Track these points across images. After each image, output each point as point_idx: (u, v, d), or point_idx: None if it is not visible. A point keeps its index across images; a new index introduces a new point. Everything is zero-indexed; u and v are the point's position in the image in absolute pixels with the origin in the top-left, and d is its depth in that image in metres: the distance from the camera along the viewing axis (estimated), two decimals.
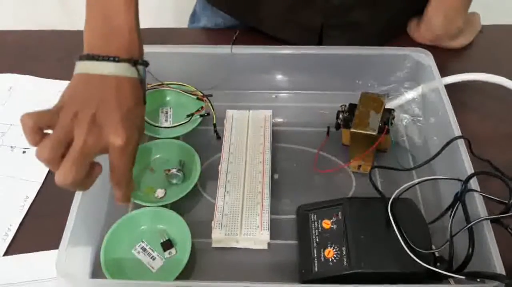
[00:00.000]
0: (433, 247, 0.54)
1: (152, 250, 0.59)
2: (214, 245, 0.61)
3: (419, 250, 0.52)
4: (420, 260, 0.50)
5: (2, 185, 0.68)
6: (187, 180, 0.65)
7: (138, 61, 0.52)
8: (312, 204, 0.61)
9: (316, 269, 0.55)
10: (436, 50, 0.75)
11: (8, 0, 1.81)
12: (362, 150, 0.65)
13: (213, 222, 0.61)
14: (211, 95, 0.73)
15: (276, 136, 0.72)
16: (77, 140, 0.46)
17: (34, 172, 0.69)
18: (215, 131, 0.71)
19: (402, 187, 0.56)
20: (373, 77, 0.76)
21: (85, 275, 0.57)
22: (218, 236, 0.60)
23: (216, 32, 0.92)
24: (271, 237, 0.60)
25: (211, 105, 0.72)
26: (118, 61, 0.51)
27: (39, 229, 0.63)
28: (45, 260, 0.60)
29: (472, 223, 0.51)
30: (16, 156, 0.72)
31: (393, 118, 0.67)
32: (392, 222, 0.53)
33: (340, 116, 0.68)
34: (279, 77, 0.78)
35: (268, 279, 0.58)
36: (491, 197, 0.55)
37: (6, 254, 0.61)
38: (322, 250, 0.56)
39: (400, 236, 0.52)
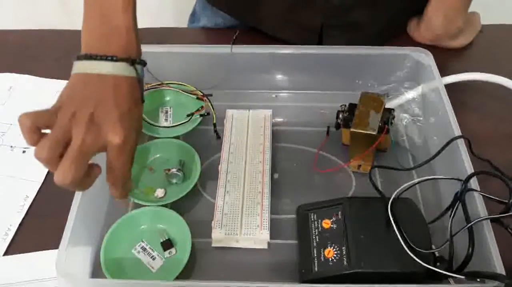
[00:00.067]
0: (433, 247, 0.54)
1: (152, 249, 0.59)
2: (214, 244, 0.61)
3: (419, 250, 0.51)
4: (420, 260, 0.50)
5: (2, 184, 0.68)
6: (187, 180, 0.65)
7: (136, 61, 0.52)
8: (312, 203, 0.61)
9: (316, 269, 0.55)
10: (436, 50, 0.75)
11: (8, 0, 1.81)
12: (362, 150, 0.65)
13: (213, 222, 0.61)
14: (211, 95, 0.73)
15: (276, 136, 0.72)
16: (75, 139, 0.46)
17: (34, 172, 0.69)
18: (215, 130, 0.71)
19: (402, 187, 0.56)
20: (373, 77, 0.76)
21: (85, 275, 0.57)
22: (218, 236, 0.60)
23: (216, 32, 0.92)
24: (271, 237, 0.60)
25: (211, 104, 0.72)
26: (116, 60, 0.51)
27: (39, 229, 0.63)
28: (45, 260, 0.60)
29: (472, 223, 0.51)
30: (16, 155, 0.72)
31: (393, 118, 0.67)
32: (392, 222, 0.53)
33: (340, 116, 0.68)
34: (279, 77, 0.78)
35: (268, 278, 0.58)
36: (491, 197, 0.55)
37: (6, 254, 0.61)
38: (322, 250, 0.56)
39: (400, 236, 0.52)
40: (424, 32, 0.84)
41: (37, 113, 0.47)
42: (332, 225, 0.57)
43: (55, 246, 0.53)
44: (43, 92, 0.79)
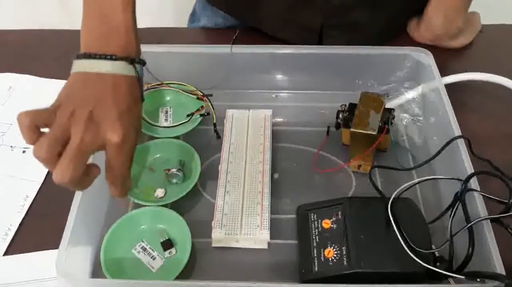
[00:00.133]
0: (433, 247, 0.54)
1: (152, 249, 0.59)
2: (214, 244, 0.61)
3: (419, 250, 0.51)
4: (420, 260, 0.50)
5: (2, 184, 0.68)
6: (187, 180, 0.65)
7: (135, 60, 0.52)
8: (312, 203, 0.61)
9: (316, 268, 0.55)
10: (436, 50, 0.75)
11: (8, 0, 1.81)
12: (362, 149, 0.65)
13: (213, 222, 0.61)
14: (211, 95, 0.73)
15: (276, 136, 0.72)
16: (74, 138, 0.46)
17: (34, 172, 0.69)
18: (215, 130, 0.71)
19: (402, 187, 0.56)
20: (373, 77, 0.76)
21: (85, 274, 0.57)
22: (218, 236, 0.60)
23: (216, 32, 0.92)
24: (271, 237, 0.60)
25: (211, 104, 0.72)
26: (115, 59, 0.51)
27: (39, 228, 0.63)
28: (45, 260, 0.60)
29: (472, 223, 0.51)
30: (16, 155, 0.72)
31: (393, 117, 0.67)
32: (392, 222, 0.53)
33: (340, 115, 0.68)
34: (279, 76, 0.78)
35: (268, 278, 0.58)
36: (491, 197, 0.55)
37: (6, 254, 0.61)
38: (322, 249, 0.56)
39: (400, 236, 0.52)
40: (424, 32, 0.84)
41: (36, 111, 0.47)
42: (332, 225, 0.57)
43: (55, 246, 0.53)
44: (43, 92, 0.79)
